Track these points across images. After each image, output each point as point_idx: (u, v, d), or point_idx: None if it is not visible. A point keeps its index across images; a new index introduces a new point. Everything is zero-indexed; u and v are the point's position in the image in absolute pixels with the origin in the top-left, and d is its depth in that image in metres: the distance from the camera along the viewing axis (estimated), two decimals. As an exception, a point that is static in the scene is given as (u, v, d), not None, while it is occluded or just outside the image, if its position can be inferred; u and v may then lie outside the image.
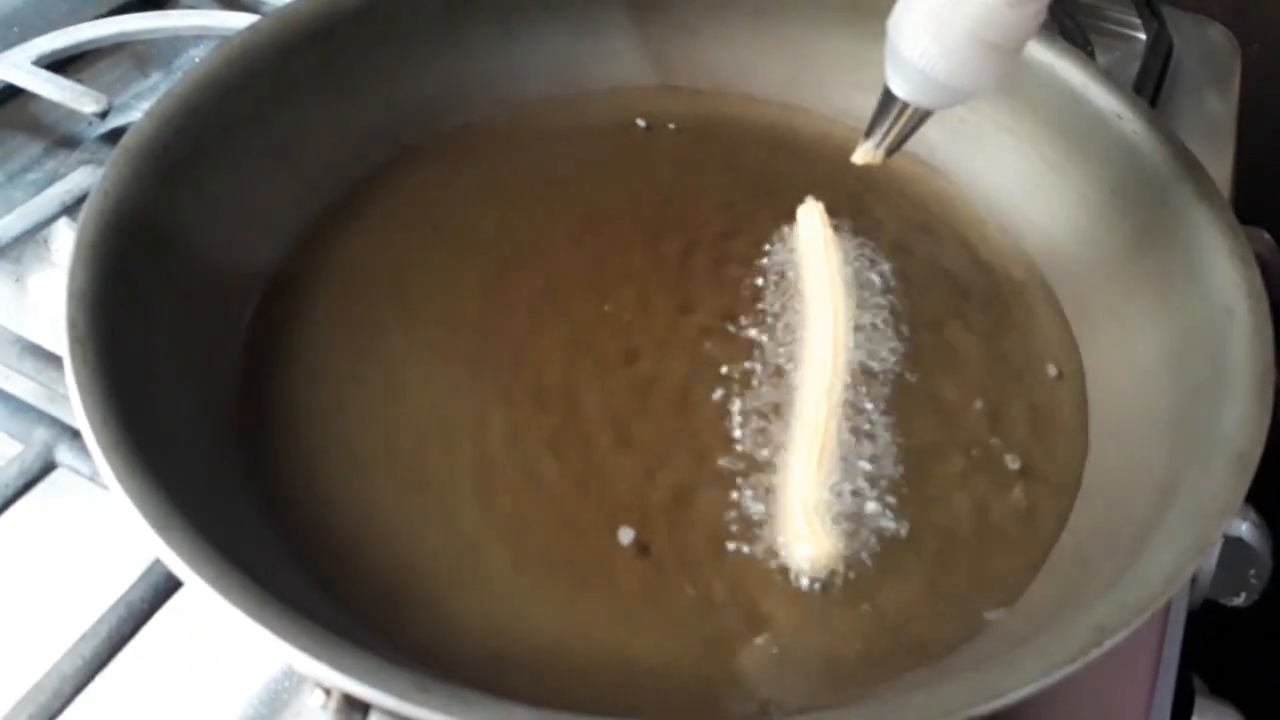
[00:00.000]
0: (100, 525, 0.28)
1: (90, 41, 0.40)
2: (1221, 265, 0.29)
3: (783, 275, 0.34)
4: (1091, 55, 0.45)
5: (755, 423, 0.30)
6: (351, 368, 0.30)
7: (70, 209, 0.34)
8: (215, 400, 0.28)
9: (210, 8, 0.44)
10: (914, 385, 0.31)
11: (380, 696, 0.19)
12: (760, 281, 0.34)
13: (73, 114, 0.38)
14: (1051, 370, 0.32)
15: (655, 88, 0.40)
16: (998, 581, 0.27)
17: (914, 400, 0.31)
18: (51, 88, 0.37)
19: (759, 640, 0.26)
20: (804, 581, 0.27)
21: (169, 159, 0.29)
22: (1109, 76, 0.35)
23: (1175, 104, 0.50)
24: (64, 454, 0.27)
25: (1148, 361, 0.30)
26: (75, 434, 0.27)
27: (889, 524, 0.28)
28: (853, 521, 0.28)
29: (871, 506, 0.28)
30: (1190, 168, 0.32)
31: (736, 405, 0.30)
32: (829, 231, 0.35)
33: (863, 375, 0.31)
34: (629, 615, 0.26)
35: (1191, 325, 0.29)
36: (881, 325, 0.33)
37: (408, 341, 0.31)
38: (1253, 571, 0.37)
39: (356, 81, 0.35)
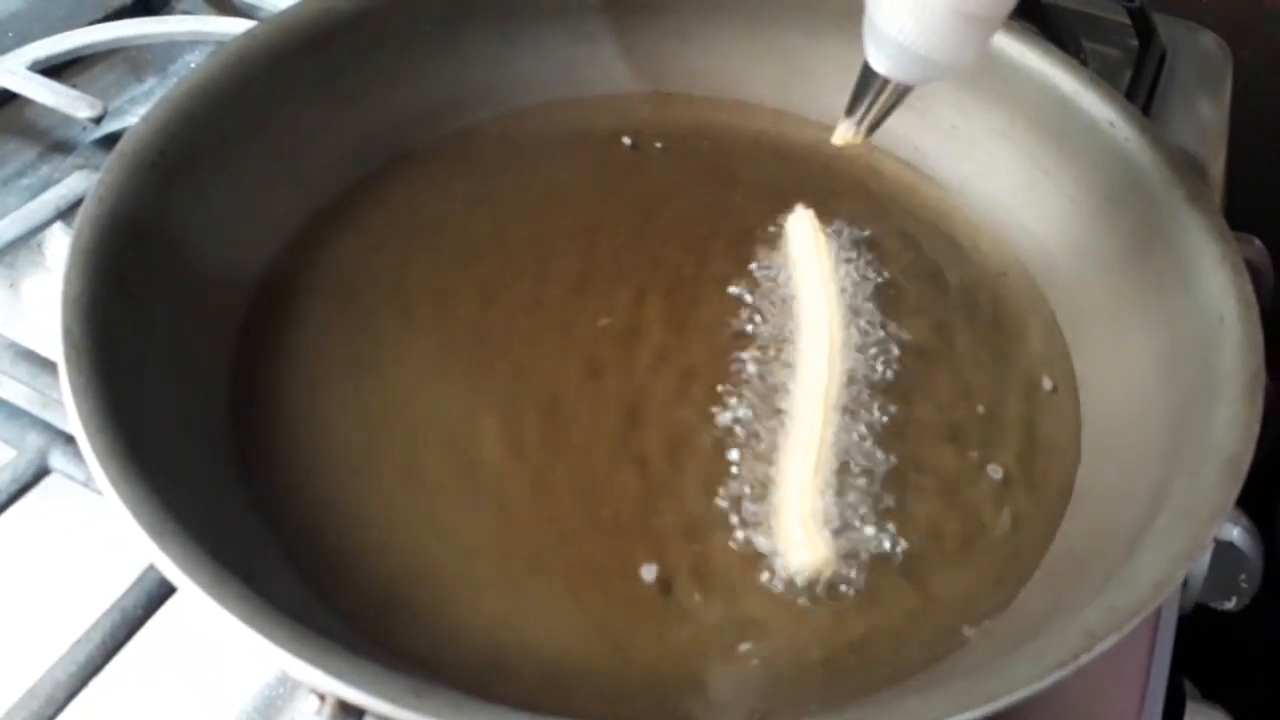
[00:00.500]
0: (94, 531, 0.28)
1: (85, 47, 0.40)
2: (1213, 271, 0.30)
3: (775, 282, 0.34)
4: (1084, 62, 0.45)
5: (750, 429, 0.30)
6: (347, 372, 0.31)
7: (65, 214, 0.34)
8: (210, 406, 0.28)
9: (205, 13, 0.44)
10: (908, 393, 0.32)
11: (374, 702, 0.19)
12: (753, 289, 0.34)
13: (68, 119, 0.38)
14: (1047, 383, 0.32)
15: (648, 94, 0.40)
16: (990, 588, 0.28)
17: (908, 408, 0.31)
18: (46, 93, 0.37)
19: (749, 646, 0.26)
20: (797, 588, 0.27)
21: (165, 164, 0.29)
22: (1101, 83, 0.35)
23: (1167, 111, 0.50)
24: (58, 459, 0.27)
25: (1139, 367, 0.31)
26: (69, 439, 0.27)
27: (883, 532, 0.28)
28: (847, 528, 0.28)
29: (866, 513, 0.28)
30: (1182, 174, 0.32)
31: (730, 413, 0.30)
32: (821, 238, 0.35)
33: (857, 383, 0.31)
34: (623, 623, 0.26)
35: (1183, 331, 0.30)
36: (875, 333, 0.33)
37: (403, 346, 0.31)
38: (1244, 576, 0.37)
39: (352, 87, 0.35)
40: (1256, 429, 0.26)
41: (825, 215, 0.36)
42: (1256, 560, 0.37)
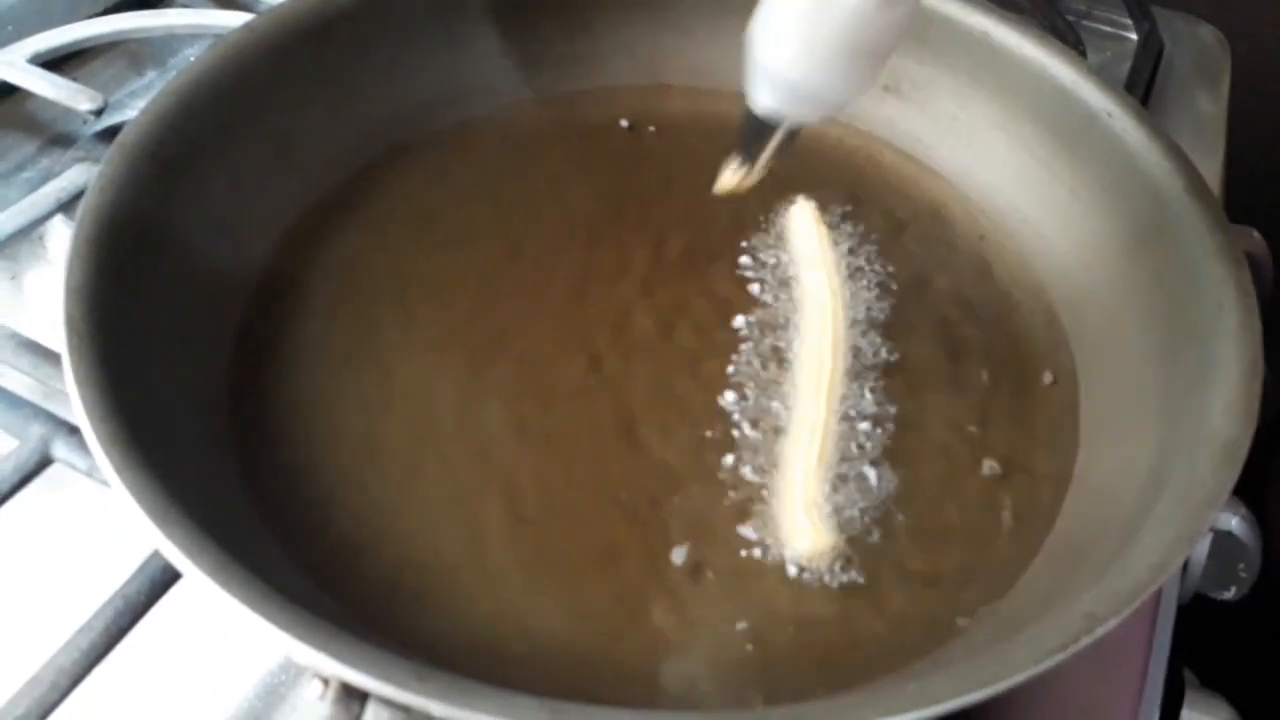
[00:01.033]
0: (96, 519, 0.28)
1: (85, 40, 0.40)
2: (1211, 260, 0.30)
3: (776, 275, 0.34)
4: (1083, 54, 0.46)
5: (752, 417, 0.30)
6: (348, 362, 0.31)
7: (66, 206, 0.34)
8: (212, 396, 0.29)
9: (205, 6, 0.44)
10: (909, 383, 0.32)
11: (379, 685, 0.19)
12: (755, 281, 0.34)
13: (68, 112, 0.38)
14: (1047, 377, 0.32)
15: (649, 86, 0.40)
16: (990, 575, 0.28)
17: (909, 398, 0.31)
18: (47, 85, 0.37)
19: (750, 632, 0.26)
20: (799, 574, 0.27)
21: (165, 156, 0.29)
22: (1100, 75, 0.35)
23: (1166, 103, 0.50)
24: (60, 449, 0.27)
25: (1138, 355, 0.31)
26: (71, 429, 0.27)
27: (884, 519, 0.28)
28: (850, 516, 0.28)
29: (868, 501, 0.29)
30: (1180, 165, 0.32)
31: (733, 400, 0.30)
32: (822, 230, 0.35)
33: (858, 373, 0.32)
34: (624, 609, 0.26)
35: (1181, 319, 0.30)
36: (875, 323, 0.33)
37: (404, 336, 0.31)
38: (1242, 565, 0.37)
39: (351, 80, 0.35)
40: (1254, 417, 0.26)
41: (825, 206, 0.36)
42: (1255, 550, 0.37)
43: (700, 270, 0.34)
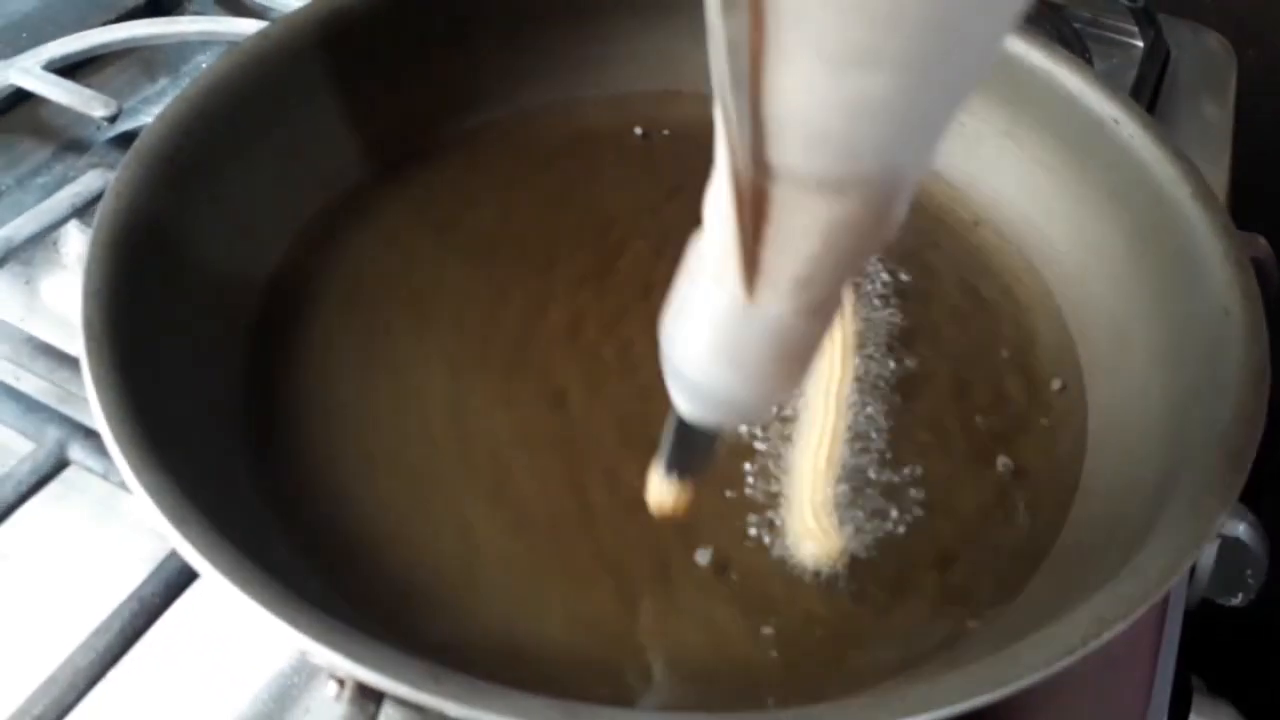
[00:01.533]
0: (112, 521, 0.28)
1: (99, 47, 0.40)
2: (1217, 267, 0.30)
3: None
4: (1089, 62, 0.46)
5: (765, 424, 0.30)
6: (361, 367, 0.31)
7: (80, 212, 0.34)
8: (227, 399, 0.29)
9: (217, 14, 0.44)
10: (917, 387, 0.32)
11: (394, 685, 0.20)
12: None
13: (82, 118, 0.38)
14: (1055, 383, 0.33)
15: (661, 93, 0.40)
16: (999, 579, 0.28)
17: (917, 402, 0.31)
18: (61, 92, 0.38)
19: (763, 633, 0.26)
20: (809, 577, 0.27)
21: (180, 161, 0.30)
22: (1106, 82, 0.35)
23: (1172, 110, 0.50)
24: (76, 451, 0.28)
25: (1145, 361, 0.31)
26: (87, 432, 0.28)
27: (893, 523, 0.28)
28: (858, 520, 0.28)
29: (876, 506, 0.29)
30: (1187, 171, 0.32)
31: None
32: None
33: (867, 378, 0.32)
34: (638, 611, 0.26)
35: (1188, 325, 0.30)
36: (883, 329, 0.33)
37: (416, 342, 0.32)
38: (1250, 572, 0.37)
39: (364, 86, 0.35)
40: (1262, 422, 0.26)
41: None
42: (1262, 557, 0.37)
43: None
